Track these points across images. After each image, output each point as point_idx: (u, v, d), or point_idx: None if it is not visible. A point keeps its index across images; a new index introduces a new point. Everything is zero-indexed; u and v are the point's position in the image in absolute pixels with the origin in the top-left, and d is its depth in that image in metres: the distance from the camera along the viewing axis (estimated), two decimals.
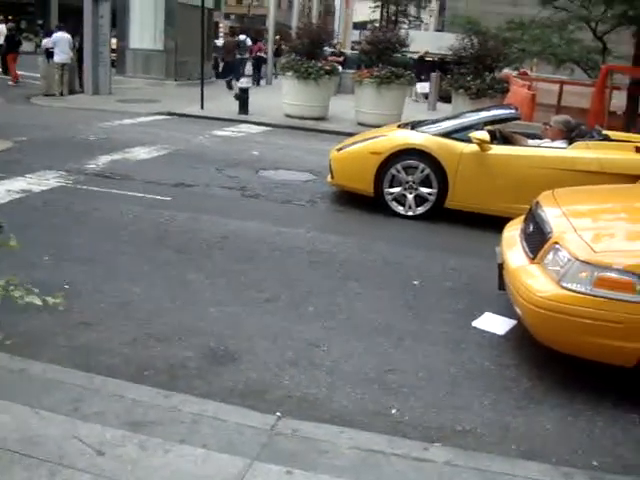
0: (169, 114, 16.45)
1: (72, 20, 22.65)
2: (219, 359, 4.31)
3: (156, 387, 3.80)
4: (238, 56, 25.18)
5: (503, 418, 3.89)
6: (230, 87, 22.96)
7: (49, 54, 18.55)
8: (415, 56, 27.83)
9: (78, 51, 19.10)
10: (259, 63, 27.21)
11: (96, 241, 6.45)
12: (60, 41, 18.29)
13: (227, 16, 73.99)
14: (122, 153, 10.82)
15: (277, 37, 30.08)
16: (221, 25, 52.69)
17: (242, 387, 4.00)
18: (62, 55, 18.17)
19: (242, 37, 27.43)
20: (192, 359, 4.28)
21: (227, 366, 4.23)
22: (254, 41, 28.56)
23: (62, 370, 3.87)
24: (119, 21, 23.01)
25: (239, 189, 9.03)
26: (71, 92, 18.77)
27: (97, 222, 7.12)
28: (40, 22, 44.16)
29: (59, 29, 19.23)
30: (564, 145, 7.96)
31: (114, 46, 22.06)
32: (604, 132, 8.75)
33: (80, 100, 18.03)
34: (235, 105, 16.83)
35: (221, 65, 26.63)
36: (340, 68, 22.67)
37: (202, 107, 17.10)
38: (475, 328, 5.10)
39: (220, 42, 32.46)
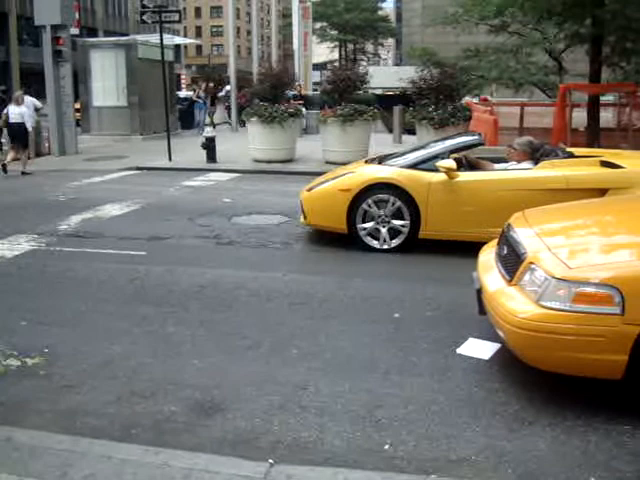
0: (137, 169, 16.45)
1: (34, 83, 22.72)
2: (206, 410, 4.26)
3: (144, 444, 3.74)
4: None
5: (496, 443, 3.87)
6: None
7: None
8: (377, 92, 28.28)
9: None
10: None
11: (73, 302, 6.39)
12: None
13: (188, 67, 74.72)
14: (93, 211, 10.79)
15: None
16: (183, 76, 53.08)
17: (232, 437, 3.95)
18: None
19: (228, 87, 29.74)
20: (179, 413, 4.22)
21: (215, 417, 4.18)
22: (239, 89, 29.39)
23: (48, 435, 3.81)
24: (81, 80, 23.11)
25: (213, 237, 9.02)
26: (38, 154, 18.72)
27: (73, 283, 7.06)
28: (3, 88, 44.27)
29: (23, 94, 19.30)
30: (530, 166, 8.06)
31: (78, 105, 22.13)
32: (568, 149, 8.88)
33: (47, 162, 18.00)
34: (203, 155, 16.88)
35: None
36: (304, 110, 22.90)
37: (170, 159, 17.14)
38: (460, 355, 5.10)
39: (182, 94, 33.10)
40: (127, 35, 40.27)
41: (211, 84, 32.16)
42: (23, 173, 15.44)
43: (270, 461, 3.56)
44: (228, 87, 29.84)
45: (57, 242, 8.80)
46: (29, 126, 15.95)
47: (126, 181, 14.62)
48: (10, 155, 15.77)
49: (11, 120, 15.79)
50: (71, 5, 19.99)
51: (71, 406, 4.32)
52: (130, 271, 7.38)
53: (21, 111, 15.82)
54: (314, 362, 5.00)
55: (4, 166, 15.38)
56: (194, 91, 29.31)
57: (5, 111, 16.08)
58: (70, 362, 4.99)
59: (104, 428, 4.03)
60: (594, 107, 16.44)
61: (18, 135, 15.82)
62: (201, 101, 28.04)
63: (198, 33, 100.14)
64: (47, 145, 19.31)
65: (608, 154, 8.64)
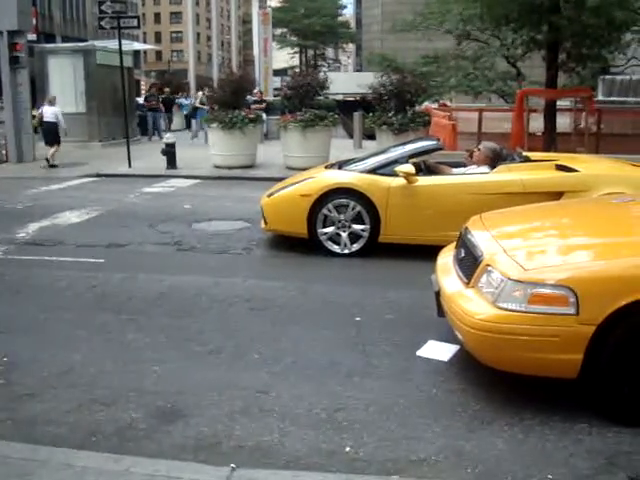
0: (97, 176, 16.30)
1: None
2: (167, 417, 4.25)
3: (106, 452, 3.73)
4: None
5: (456, 443, 3.93)
6: None
7: None
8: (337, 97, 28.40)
9: None
10: None
11: (32, 310, 6.32)
12: None
13: (147, 73, 74.24)
14: (52, 219, 10.67)
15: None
16: (143, 82, 52.69)
17: (193, 442, 3.95)
18: None
19: (200, 93, 28.82)
20: (140, 420, 4.21)
21: (176, 423, 4.17)
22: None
23: (7, 445, 3.77)
24: (39, 86, 22.83)
25: (173, 244, 8.99)
26: None
27: (31, 291, 6.98)
28: None
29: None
30: (487, 170, 8.17)
31: (35, 112, 21.86)
32: (524, 154, 9.02)
33: (4, 169, 17.75)
34: (163, 161, 16.79)
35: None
36: (264, 115, 22.87)
37: (130, 166, 17.01)
38: (420, 357, 5.16)
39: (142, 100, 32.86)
40: (85, 41, 39.86)
41: (167, 89, 31.74)
42: (51, 166, 17.41)
43: (232, 465, 3.56)
44: (200, 93, 29.09)
45: (15, 250, 8.70)
46: (62, 124, 17.94)
47: (85, 188, 14.47)
48: (50, 152, 17.61)
49: (45, 119, 17.93)
50: (28, 11, 19.75)
51: (31, 414, 4.28)
52: (89, 279, 7.32)
53: (54, 111, 17.90)
54: (275, 367, 5.01)
55: (47, 160, 17.46)
56: (195, 98, 27.87)
57: (40, 111, 18.37)
58: (30, 370, 4.95)
59: (65, 436, 4.00)
60: (551, 112, 16.70)
61: (52, 132, 17.86)
62: (206, 107, 27.13)
63: (157, 39, 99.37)
64: (4, 152, 19.02)
65: (564, 158, 8.80)
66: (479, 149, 8.54)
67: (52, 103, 18.19)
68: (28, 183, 15.01)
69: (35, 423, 4.17)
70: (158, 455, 3.75)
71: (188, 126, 30.29)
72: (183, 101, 31.27)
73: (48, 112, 17.93)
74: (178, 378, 4.83)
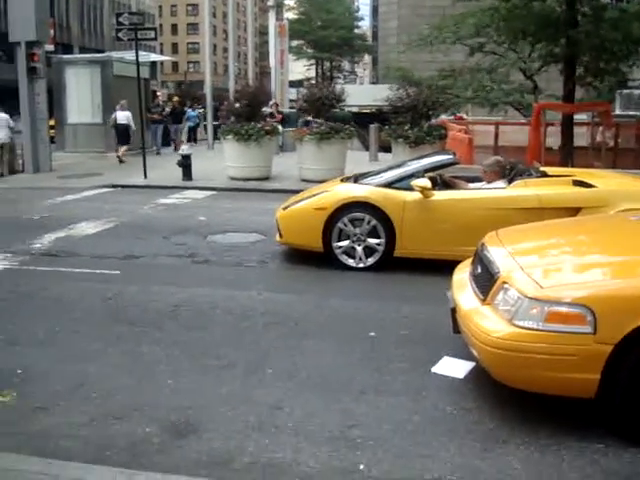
0: (112, 186, 16.36)
1: (8, 99, 22.59)
2: (181, 431, 4.23)
3: (118, 466, 3.71)
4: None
5: (471, 462, 3.89)
6: None
7: None
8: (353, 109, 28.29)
9: None
10: None
11: (46, 322, 6.33)
12: None
13: (164, 84, 74.60)
14: (67, 230, 10.71)
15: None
16: (159, 93, 52.95)
17: (207, 458, 3.93)
18: (0, 135, 18.04)
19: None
20: (153, 434, 4.19)
21: (189, 438, 4.16)
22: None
23: (19, 458, 3.78)
24: (56, 97, 23.00)
25: (188, 256, 8.99)
26: (12, 172, 18.59)
27: (46, 302, 7.00)
28: None
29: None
30: (504, 185, 8.13)
31: (52, 122, 22.01)
32: (541, 168, 8.97)
33: (21, 179, 17.88)
34: (179, 172, 16.83)
35: None
36: (280, 127, 22.79)
37: (145, 176, 17.07)
38: (435, 374, 5.12)
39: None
40: (103, 52, 40.20)
41: (176, 98, 31.20)
42: (121, 162, 20.47)
43: None
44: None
45: (30, 261, 8.73)
46: (132, 126, 20.65)
47: (101, 199, 14.53)
48: (122, 150, 20.69)
49: (119, 121, 20.78)
50: (46, 21, 19.93)
51: (44, 428, 4.28)
52: (104, 290, 7.33)
53: (126, 115, 20.66)
54: (289, 382, 4.99)
55: (119, 158, 20.52)
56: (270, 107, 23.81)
57: (114, 115, 20.88)
58: (44, 383, 4.95)
59: (78, 450, 3.99)
60: (568, 126, 16.64)
61: (124, 133, 20.78)
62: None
63: (174, 50, 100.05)
64: (21, 162, 19.15)
65: (581, 173, 8.74)
66: (484, 171, 8.48)
67: (124, 108, 20.71)
68: (44, 193, 15.09)
69: (48, 437, 4.16)
70: (171, 470, 3.73)
71: (191, 139, 29.54)
72: (190, 112, 30.14)
73: (121, 115, 20.56)
74: (192, 392, 4.82)
